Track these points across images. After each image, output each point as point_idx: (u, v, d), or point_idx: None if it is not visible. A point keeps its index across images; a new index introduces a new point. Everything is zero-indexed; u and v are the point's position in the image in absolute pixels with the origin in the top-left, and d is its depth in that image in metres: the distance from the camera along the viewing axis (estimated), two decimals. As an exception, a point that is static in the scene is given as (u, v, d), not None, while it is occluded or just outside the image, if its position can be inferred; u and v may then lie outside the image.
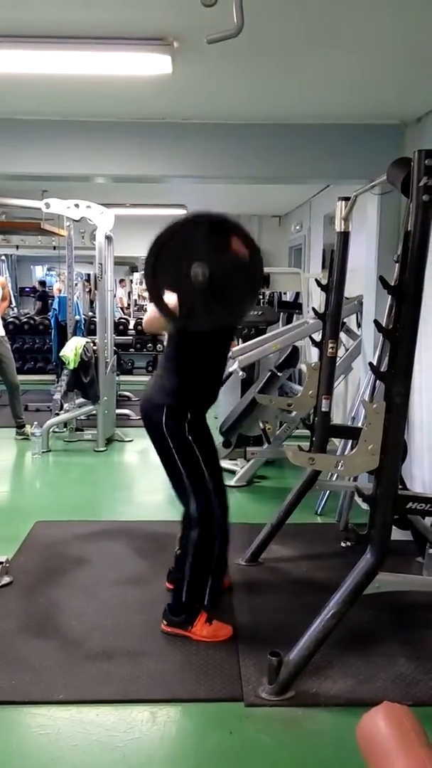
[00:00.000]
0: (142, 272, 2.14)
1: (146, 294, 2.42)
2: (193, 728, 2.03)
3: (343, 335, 4.36)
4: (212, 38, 1.96)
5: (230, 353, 3.75)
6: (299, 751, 1.93)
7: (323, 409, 3.04)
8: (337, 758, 1.87)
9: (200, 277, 2.01)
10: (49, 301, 9.36)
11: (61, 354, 5.48)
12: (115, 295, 7.65)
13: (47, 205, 5.23)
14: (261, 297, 6.05)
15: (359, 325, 4.41)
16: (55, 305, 6.80)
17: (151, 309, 2.27)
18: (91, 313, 7.67)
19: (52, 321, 6.83)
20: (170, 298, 2.12)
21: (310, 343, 3.30)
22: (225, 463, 3.87)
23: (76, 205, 5.22)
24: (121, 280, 11.42)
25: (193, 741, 1.97)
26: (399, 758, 0.99)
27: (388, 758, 1.00)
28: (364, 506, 3.08)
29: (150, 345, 9.23)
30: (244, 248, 2.09)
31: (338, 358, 3.31)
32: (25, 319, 9.31)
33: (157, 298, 2.12)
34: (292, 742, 1.97)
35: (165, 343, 2.57)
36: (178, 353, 2.45)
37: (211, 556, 2.47)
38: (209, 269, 2.03)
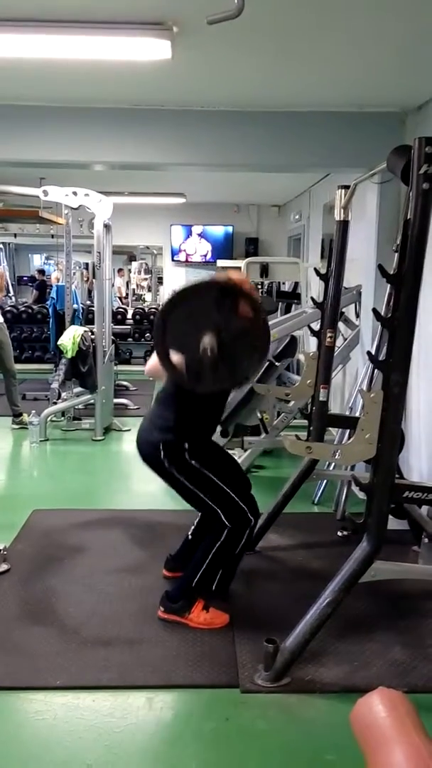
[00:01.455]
0: (152, 333, 2.18)
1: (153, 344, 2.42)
2: (190, 714, 2.05)
3: (341, 325, 4.35)
4: (212, 19, 1.95)
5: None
6: (294, 737, 1.95)
7: (321, 399, 3.04)
8: (332, 744, 1.88)
9: (209, 352, 2.05)
10: (48, 290, 9.34)
11: (59, 343, 5.46)
12: (113, 285, 7.62)
13: (45, 193, 5.19)
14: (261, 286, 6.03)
15: (358, 315, 4.40)
16: (53, 294, 6.77)
17: (154, 359, 2.27)
18: (89, 302, 7.65)
19: (50, 310, 6.81)
20: (176, 357, 2.16)
21: (309, 332, 3.29)
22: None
23: (75, 193, 5.18)
24: (119, 270, 11.38)
25: (190, 727, 1.98)
26: (394, 743, 0.99)
27: (383, 743, 1.00)
28: (361, 495, 3.09)
29: (148, 335, 9.22)
30: (250, 311, 2.14)
31: (336, 348, 3.30)
32: (23, 308, 9.28)
33: (164, 358, 2.16)
34: (288, 728, 1.98)
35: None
36: (176, 391, 2.43)
37: (233, 554, 2.49)
38: (218, 339, 2.08)
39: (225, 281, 2.23)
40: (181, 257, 9.00)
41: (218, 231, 8.93)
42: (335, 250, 3.06)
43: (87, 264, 9.13)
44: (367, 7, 2.35)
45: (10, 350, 5.65)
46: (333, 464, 3.55)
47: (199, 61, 2.94)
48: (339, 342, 3.70)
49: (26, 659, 2.26)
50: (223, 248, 8.87)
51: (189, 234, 8.93)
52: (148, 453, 2.48)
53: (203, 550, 2.47)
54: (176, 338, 2.15)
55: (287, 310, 6.05)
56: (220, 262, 7.79)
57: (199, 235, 8.91)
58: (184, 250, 8.98)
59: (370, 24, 2.51)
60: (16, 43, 2.64)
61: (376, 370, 3.07)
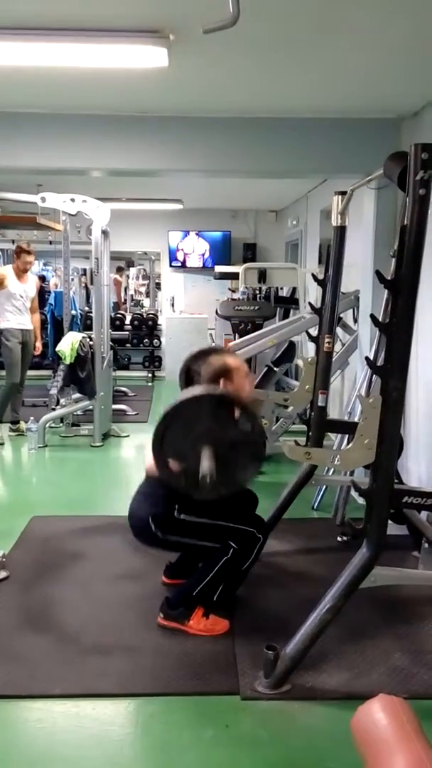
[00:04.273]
0: (151, 442, 2.18)
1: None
2: (190, 722, 2.04)
3: (339, 330, 4.35)
4: (208, 28, 1.97)
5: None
6: (295, 745, 1.94)
7: (320, 404, 3.05)
8: (333, 751, 1.87)
9: (208, 479, 2.06)
10: (45, 296, 9.36)
11: (57, 349, 5.46)
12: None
13: (43, 200, 5.20)
14: (258, 292, 6.04)
15: (356, 320, 4.42)
16: (51, 300, 6.77)
17: (151, 460, 2.26)
18: (87, 308, 7.65)
19: (48, 316, 6.81)
20: (175, 465, 2.18)
21: (307, 338, 3.30)
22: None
23: (72, 200, 5.20)
24: (119, 269, 11.25)
25: (190, 734, 1.97)
26: (395, 750, 0.99)
27: (384, 750, 1.00)
28: (361, 501, 3.08)
29: (146, 341, 9.21)
30: (247, 421, 2.15)
31: (335, 353, 3.30)
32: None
33: (163, 468, 2.19)
34: (288, 736, 1.98)
35: None
36: None
37: (239, 570, 2.48)
38: (215, 452, 2.09)
39: (222, 392, 2.25)
40: (179, 257, 9.01)
41: (216, 232, 8.97)
42: (333, 255, 3.06)
43: (85, 270, 9.13)
44: (364, 14, 2.36)
45: (27, 359, 5.63)
46: (332, 469, 3.55)
47: (196, 69, 2.96)
48: (337, 347, 3.70)
49: (25, 667, 2.25)
50: (221, 249, 8.90)
51: (186, 233, 8.97)
52: (140, 528, 2.50)
53: (209, 563, 2.46)
54: (174, 448, 2.16)
55: (285, 316, 6.06)
56: (218, 268, 7.80)
57: (197, 234, 8.96)
58: (182, 249, 9.00)
59: (367, 31, 2.52)
60: (13, 50, 2.65)
61: (374, 375, 3.08)
